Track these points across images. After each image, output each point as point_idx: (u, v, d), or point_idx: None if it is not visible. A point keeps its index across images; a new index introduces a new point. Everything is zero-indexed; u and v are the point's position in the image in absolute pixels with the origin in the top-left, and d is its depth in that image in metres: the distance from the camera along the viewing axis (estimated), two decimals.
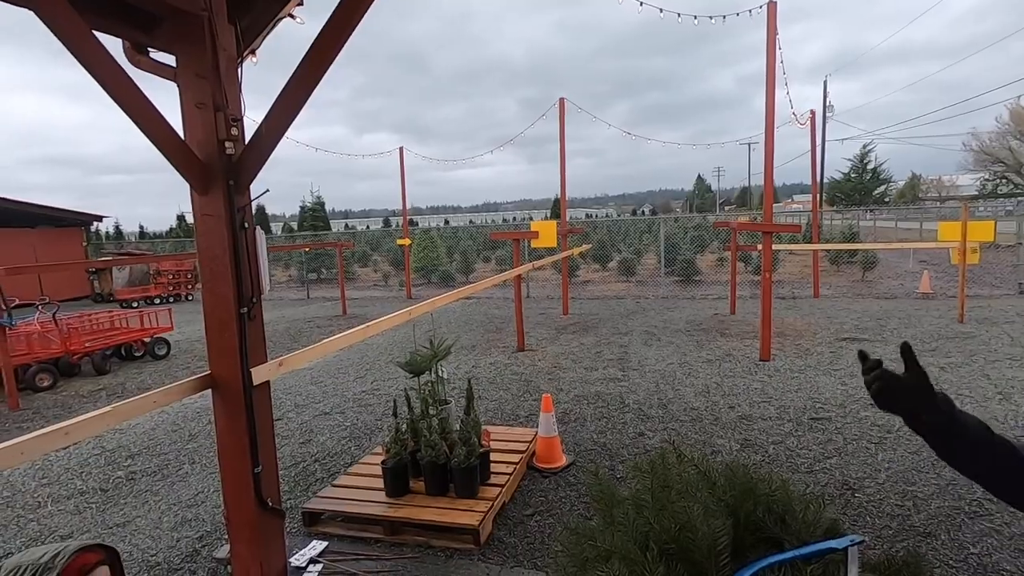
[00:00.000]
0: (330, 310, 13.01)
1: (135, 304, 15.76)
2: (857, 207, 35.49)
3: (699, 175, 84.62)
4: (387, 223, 55.33)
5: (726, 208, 68.34)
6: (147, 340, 8.71)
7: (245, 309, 2.60)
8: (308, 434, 5.00)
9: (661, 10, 5.65)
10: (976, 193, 41.87)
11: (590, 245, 15.89)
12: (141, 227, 40.87)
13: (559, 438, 4.14)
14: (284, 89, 2.32)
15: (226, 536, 3.23)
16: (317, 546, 3.14)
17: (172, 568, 3.07)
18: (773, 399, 5.26)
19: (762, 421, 4.74)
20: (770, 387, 5.62)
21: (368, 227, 46.15)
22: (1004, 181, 41.88)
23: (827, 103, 30.35)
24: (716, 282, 14.10)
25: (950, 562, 2.77)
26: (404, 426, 3.58)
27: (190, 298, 17.62)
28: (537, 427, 4.28)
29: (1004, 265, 13.34)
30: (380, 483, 3.50)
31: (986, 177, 43.11)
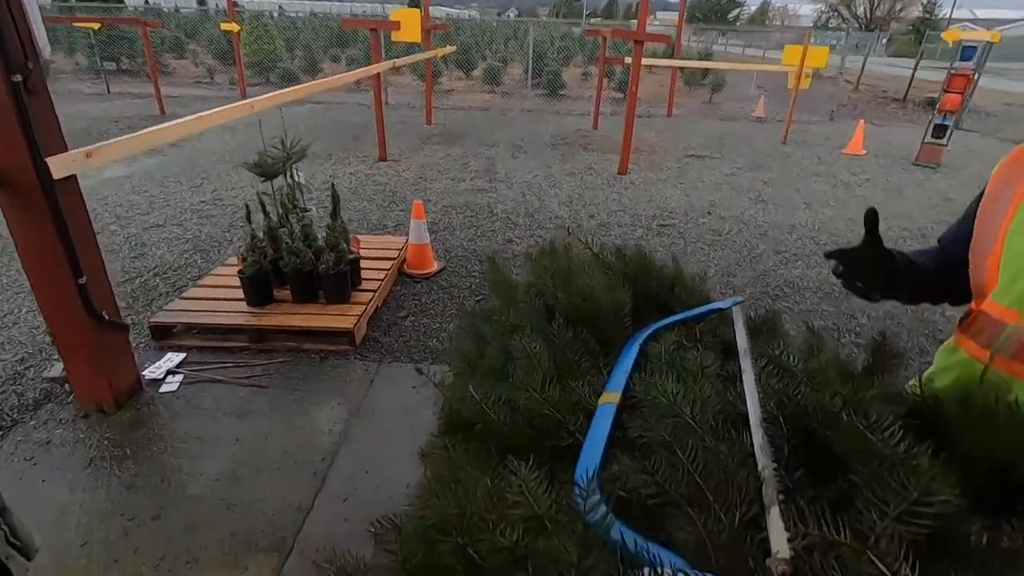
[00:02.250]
0: (142, 108, 10.76)
1: None
2: (715, 25, 36.32)
3: None
4: (202, 2, 44.93)
5: (591, 20, 65.83)
6: None
7: (19, 77, 1.95)
8: (140, 248, 4.38)
9: None
10: (812, 24, 44.76)
11: (455, 47, 14.54)
12: None
13: (430, 245, 4.10)
14: None
15: (56, 355, 2.86)
16: (174, 358, 2.92)
17: None
18: (628, 209, 5.65)
19: (618, 228, 5.11)
20: (626, 198, 6.00)
21: (177, 7, 37.06)
22: (836, 14, 45.04)
23: None
24: (580, 97, 14.03)
25: None
26: (261, 233, 3.24)
27: None
28: (407, 235, 4.18)
29: (822, 95, 14.91)
30: (238, 293, 3.24)
31: (822, 8, 45.93)
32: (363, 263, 3.57)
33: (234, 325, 3.08)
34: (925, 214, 5.69)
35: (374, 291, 3.42)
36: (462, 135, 9.14)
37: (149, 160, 6.84)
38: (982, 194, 1.01)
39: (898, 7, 42.21)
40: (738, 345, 0.94)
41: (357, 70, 6.15)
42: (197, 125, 2.87)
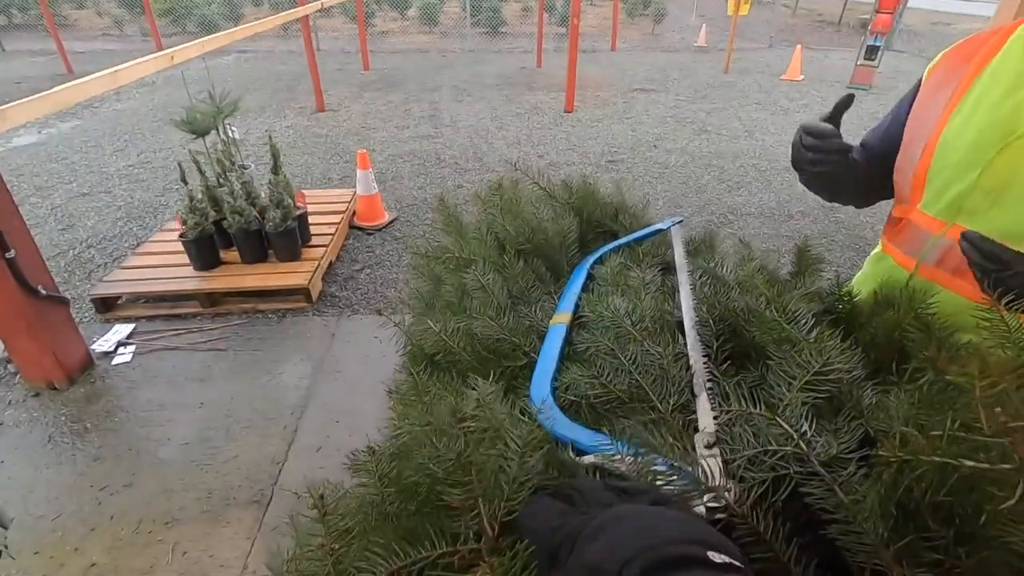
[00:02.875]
0: (46, 68, 9.79)
1: None
2: None
3: None
4: None
5: None
6: None
7: None
8: (68, 219, 4.12)
9: None
10: None
11: None
12: None
13: (380, 195, 4.03)
14: None
15: None
16: (122, 329, 2.84)
17: None
18: (576, 147, 5.65)
19: (567, 167, 5.13)
20: (574, 136, 5.99)
21: None
22: None
23: None
24: (522, 34, 13.61)
25: None
26: (200, 195, 3.11)
27: None
28: (354, 188, 4.08)
29: (762, 22, 14.94)
30: (183, 258, 3.13)
31: None
32: (312, 218, 3.49)
33: (184, 291, 3.00)
34: (858, 135, 5.89)
35: (326, 246, 3.37)
36: (402, 80, 8.79)
37: (63, 124, 6.32)
38: (912, 95, 1.01)
39: None
40: (676, 261, 1.01)
41: (283, 13, 5.75)
42: (114, 81, 2.67)
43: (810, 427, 0.53)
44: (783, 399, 0.58)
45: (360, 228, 3.94)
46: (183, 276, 3.07)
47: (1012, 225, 0.86)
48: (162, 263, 3.20)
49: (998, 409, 0.37)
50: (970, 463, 0.38)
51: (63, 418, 2.32)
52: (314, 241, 3.41)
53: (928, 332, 0.76)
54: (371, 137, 5.95)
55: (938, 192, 0.93)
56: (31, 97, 2.22)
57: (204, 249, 3.09)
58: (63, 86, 2.34)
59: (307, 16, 6.25)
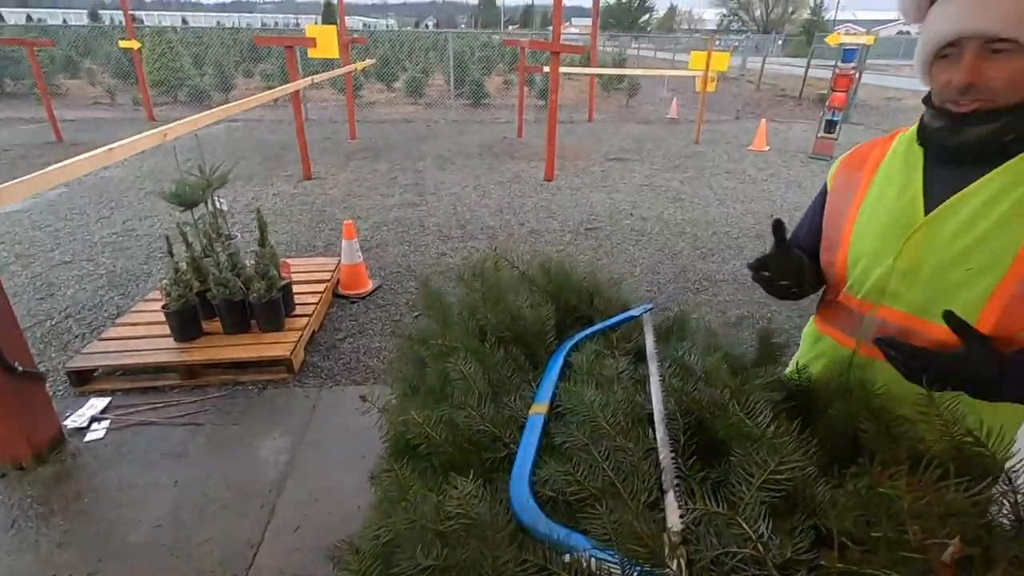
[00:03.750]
0: (35, 136, 9.94)
1: None
2: (626, 32, 37.87)
3: None
4: (95, 17, 41.97)
5: (511, 28, 66.91)
6: None
7: None
8: (47, 288, 4.10)
9: None
10: (715, 28, 47.71)
11: (374, 60, 14.39)
12: None
13: (364, 264, 4.10)
14: None
15: None
16: (97, 404, 2.78)
17: None
18: (556, 215, 5.85)
19: (548, 234, 5.29)
20: (554, 204, 6.21)
21: (66, 22, 34.42)
22: (736, 18, 48.13)
23: None
24: (504, 106, 14.28)
25: None
26: (184, 266, 3.14)
27: None
28: (338, 255, 4.16)
29: (728, 96, 15.92)
30: (163, 329, 3.12)
31: (724, 13, 48.99)
32: (296, 287, 3.53)
33: (162, 363, 2.97)
34: None
35: (309, 316, 3.39)
36: (388, 149, 9.09)
37: (49, 192, 6.37)
38: (822, 198, 1.16)
39: (790, 10, 45.75)
40: (647, 350, 1.07)
41: (275, 89, 6.00)
42: (108, 158, 2.75)
43: (767, 528, 0.57)
44: (743, 498, 0.63)
45: (344, 296, 3.97)
46: (162, 348, 3.05)
47: (928, 302, 0.96)
48: (142, 334, 3.18)
49: (916, 528, 0.42)
50: None
51: (29, 500, 2.23)
52: (298, 311, 3.43)
53: (879, 424, 0.82)
54: (357, 205, 6.09)
55: (860, 278, 1.05)
56: (26, 177, 2.27)
57: (186, 320, 3.08)
58: (58, 165, 2.40)
59: (298, 90, 6.54)
